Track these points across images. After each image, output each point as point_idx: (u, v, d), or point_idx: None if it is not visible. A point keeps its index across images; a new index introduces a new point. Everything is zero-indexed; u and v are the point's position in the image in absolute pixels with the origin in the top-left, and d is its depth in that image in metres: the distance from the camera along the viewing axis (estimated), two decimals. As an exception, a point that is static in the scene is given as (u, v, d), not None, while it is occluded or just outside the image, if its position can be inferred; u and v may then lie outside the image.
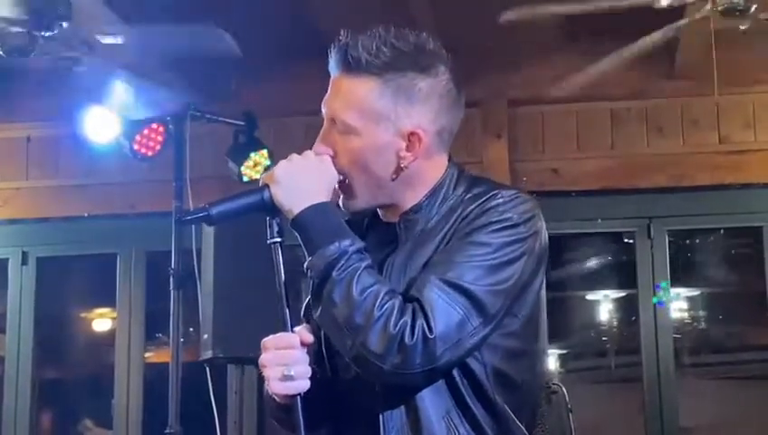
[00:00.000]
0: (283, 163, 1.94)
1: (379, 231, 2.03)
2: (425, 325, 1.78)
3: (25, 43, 4.03)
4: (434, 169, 1.99)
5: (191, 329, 4.90)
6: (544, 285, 1.97)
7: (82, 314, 7.83)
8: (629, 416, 5.82)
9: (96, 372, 6.92)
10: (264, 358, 1.90)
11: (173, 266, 4.35)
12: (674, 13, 4.28)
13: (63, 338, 7.40)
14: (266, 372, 1.89)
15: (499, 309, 1.85)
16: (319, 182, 1.92)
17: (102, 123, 4.79)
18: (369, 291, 1.80)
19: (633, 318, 6.19)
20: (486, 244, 1.85)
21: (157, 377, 5.36)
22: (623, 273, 7.19)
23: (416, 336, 1.77)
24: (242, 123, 4.80)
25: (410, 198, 1.98)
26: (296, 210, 1.89)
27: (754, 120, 5.48)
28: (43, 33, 3.99)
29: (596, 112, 5.59)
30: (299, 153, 1.97)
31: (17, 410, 5.74)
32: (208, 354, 4.24)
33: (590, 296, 8.10)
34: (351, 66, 1.93)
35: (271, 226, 1.93)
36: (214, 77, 5.00)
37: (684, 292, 7.62)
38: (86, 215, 5.83)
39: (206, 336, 4.27)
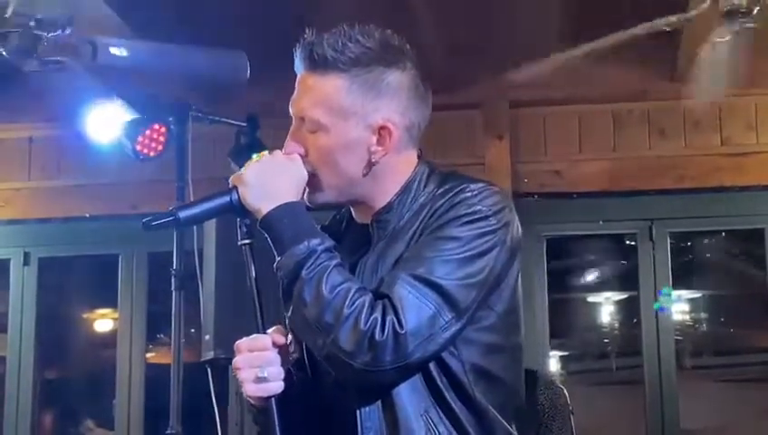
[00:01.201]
0: (251, 163, 1.93)
1: (355, 233, 2.02)
2: (395, 321, 1.77)
3: (28, 44, 4.03)
4: (404, 165, 1.99)
5: (193, 330, 4.90)
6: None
7: (84, 315, 7.84)
8: (631, 418, 5.81)
9: (97, 373, 6.93)
10: (238, 360, 1.90)
11: (175, 267, 4.34)
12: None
13: (65, 338, 7.40)
14: (240, 375, 1.89)
15: (471, 303, 1.83)
16: (288, 182, 1.91)
17: (104, 124, 4.79)
18: (338, 289, 1.79)
19: (635, 320, 6.19)
20: (456, 237, 1.84)
21: (158, 377, 5.35)
22: (625, 275, 7.19)
23: (386, 332, 1.76)
24: (244, 124, 4.80)
25: (380, 196, 1.97)
26: (264, 210, 1.88)
27: (757, 123, 5.47)
28: (47, 35, 3.99)
29: (598, 114, 5.58)
30: None
31: (19, 411, 5.74)
32: (210, 355, 4.24)
33: (592, 298, 8.11)
34: (318, 64, 1.93)
35: (240, 227, 1.93)
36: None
37: (685, 294, 7.63)
38: (88, 215, 5.83)
39: (207, 337, 4.27)
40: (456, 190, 1.90)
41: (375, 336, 1.76)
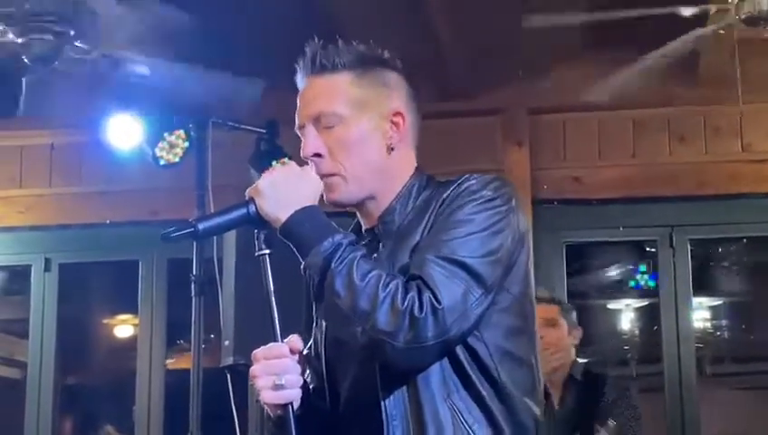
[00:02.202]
0: (265, 175, 1.98)
1: (361, 238, 2.07)
2: (432, 298, 1.82)
3: (50, 54, 4.05)
4: (407, 163, 2.09)
5: (212, 335, 4.92)
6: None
7: (104, 321, 7.88)
8: (651, 425, 5.78)
9: (118, 378, 6.96)
10: (255, 368, 1.92)
11: (194, 273, 4.36)
12: (697, 18, 4.26)
13: (86, 344, 7.45)
14: (257, 383, 1.92)
15: (496, 279, 1.90)
16: (303, 190, 1.96)
17: (125, 131, 4.82)
18: (370, 276, 1.84)
19: (655, 327, 6.17)
20: (470, 220, 1.91)
21: (178, 383, 5.37)
22: (645, 282, 7.17)
23: (425, 309, 1.81)
24: (263, 131, 4.82)
25: (388, 193, 2.05)
26: (283, 218, 1.92)
27: (777, 129, 5.45)
28: (69, 46, 4.01)
29: (618, 120, 5.57)
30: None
31: (39, 416, 5.76)
32: (229, 361, 4.25)
33: (612, 305, 8.08)
34: (327, 67, 2.04)
35: (258, 238, 1.96)
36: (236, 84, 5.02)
37: (706, 301, 7.59)
38: (108, 222, 5.85)
39: (227, 343, 4.28)
40: (460, 180, 1.98)
41: (415, 313, 1.81)
